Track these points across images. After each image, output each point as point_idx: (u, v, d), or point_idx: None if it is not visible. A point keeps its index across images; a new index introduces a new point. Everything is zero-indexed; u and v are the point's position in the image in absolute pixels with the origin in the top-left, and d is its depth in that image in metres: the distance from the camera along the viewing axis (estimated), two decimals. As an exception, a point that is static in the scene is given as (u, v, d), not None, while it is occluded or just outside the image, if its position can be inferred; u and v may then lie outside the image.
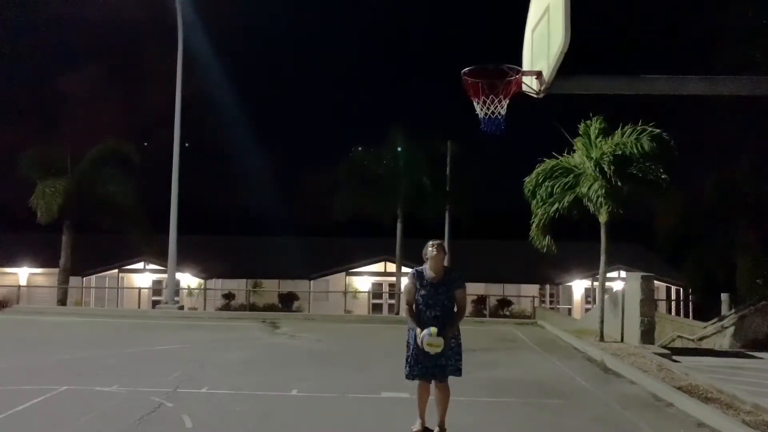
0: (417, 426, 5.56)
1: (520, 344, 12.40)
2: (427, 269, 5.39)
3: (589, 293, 31.19)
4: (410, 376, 5.43)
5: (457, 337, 5.40)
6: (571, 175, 12.76)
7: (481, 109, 6.09)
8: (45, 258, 28.84)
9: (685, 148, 13.36)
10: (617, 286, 22.51)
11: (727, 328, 14.75)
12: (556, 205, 12.80)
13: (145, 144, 30.51)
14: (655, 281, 15.26)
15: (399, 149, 24.03)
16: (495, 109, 6.08)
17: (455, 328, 5.35)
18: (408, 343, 5.44)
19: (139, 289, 29.77)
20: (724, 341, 14.63)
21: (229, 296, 29.24)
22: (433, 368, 5.31)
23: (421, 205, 23.61)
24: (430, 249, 5.34)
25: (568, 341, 12.46)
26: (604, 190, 11.87)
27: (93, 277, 30.73)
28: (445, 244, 5.63)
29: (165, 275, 21.38)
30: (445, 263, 5.42)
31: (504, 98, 6.05)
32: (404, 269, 22.80)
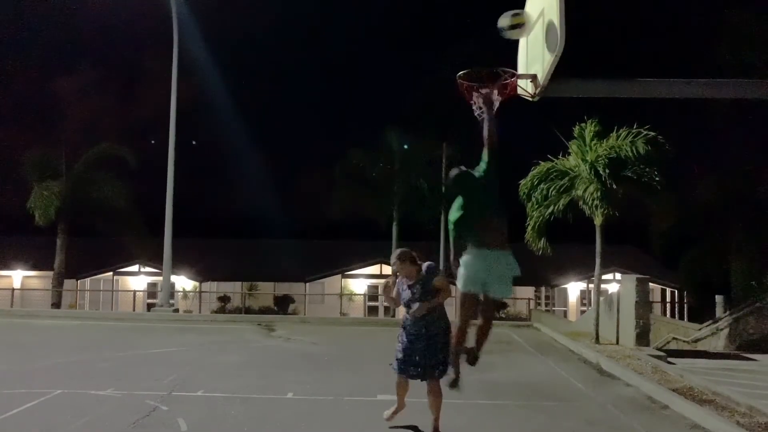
0: (390, 410, 5.79)
1: (516, 346, 12.39)
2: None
3: (584, 295, 31.26)
4: (396, 369, 5.50)
5: (448, 334, 5.41)
6: (567, 178, 12.79)
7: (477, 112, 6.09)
8: (39, 261, 28.73)
9: (680, 151, 13.43)
10: (612, 288, 22.57)
11: (721, 330, 14.78)
12: (551, 208, 12.83)
13: (152, 142, 30.40)
14: (650, 283, 15.32)
15: (395, 151, 24.03)
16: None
17: (434, 304, 5.40)
18: (399, 339, 5.52)
19: (134, 291, 29.69)
20: (718, 343, 14.66)
21: (224, 299, 29.17)
22: (425, 368, 5.33)
23: (417, 207, 23.60)
24: (393, 263, 5.49)
25: (563, 343, 12.46)
26: (599, 193, 11.90)
27: (87, 279, 30.63)
28: (441, 245, 5.69)
29: (160, 278, 21.30)
30: (422, 264, 5.48)
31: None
32: (400, 271, 22.73)
